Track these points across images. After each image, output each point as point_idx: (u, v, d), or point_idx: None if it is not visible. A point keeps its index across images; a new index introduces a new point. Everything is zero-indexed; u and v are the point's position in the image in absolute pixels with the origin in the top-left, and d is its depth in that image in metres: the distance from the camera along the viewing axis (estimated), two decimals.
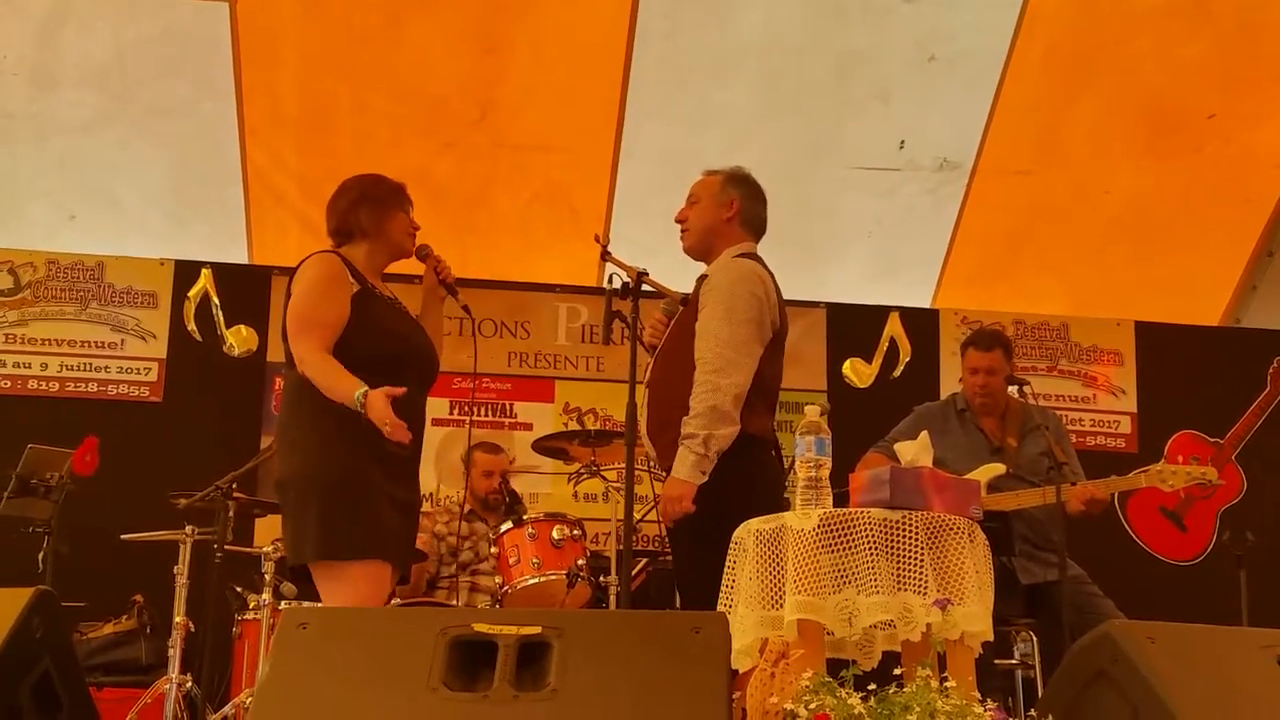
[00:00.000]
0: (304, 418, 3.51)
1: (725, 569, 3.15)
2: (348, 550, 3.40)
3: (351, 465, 3.44)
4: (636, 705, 2.47)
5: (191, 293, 6.39)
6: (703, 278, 3.98)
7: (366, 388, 3.32)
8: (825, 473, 3.06)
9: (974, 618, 2.94)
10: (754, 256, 3.98)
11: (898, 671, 2.74)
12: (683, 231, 4.05)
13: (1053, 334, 7.06)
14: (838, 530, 2.94)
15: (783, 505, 3.64)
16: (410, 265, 3.85)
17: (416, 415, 3.61)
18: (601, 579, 4.87)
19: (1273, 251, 7.05)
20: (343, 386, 3.38)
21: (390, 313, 3.66)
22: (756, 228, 4.06)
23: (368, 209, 3.68)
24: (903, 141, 6.50)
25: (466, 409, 6.31)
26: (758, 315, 3.83)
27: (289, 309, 3.55)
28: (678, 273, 4.10)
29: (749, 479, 3.73)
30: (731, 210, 3.99)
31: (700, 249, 4.04)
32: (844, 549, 2.93)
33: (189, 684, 4.80)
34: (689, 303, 3.97)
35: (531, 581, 4.78)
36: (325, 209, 3.75)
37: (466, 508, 5.66)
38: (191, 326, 6.37)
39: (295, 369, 3.54)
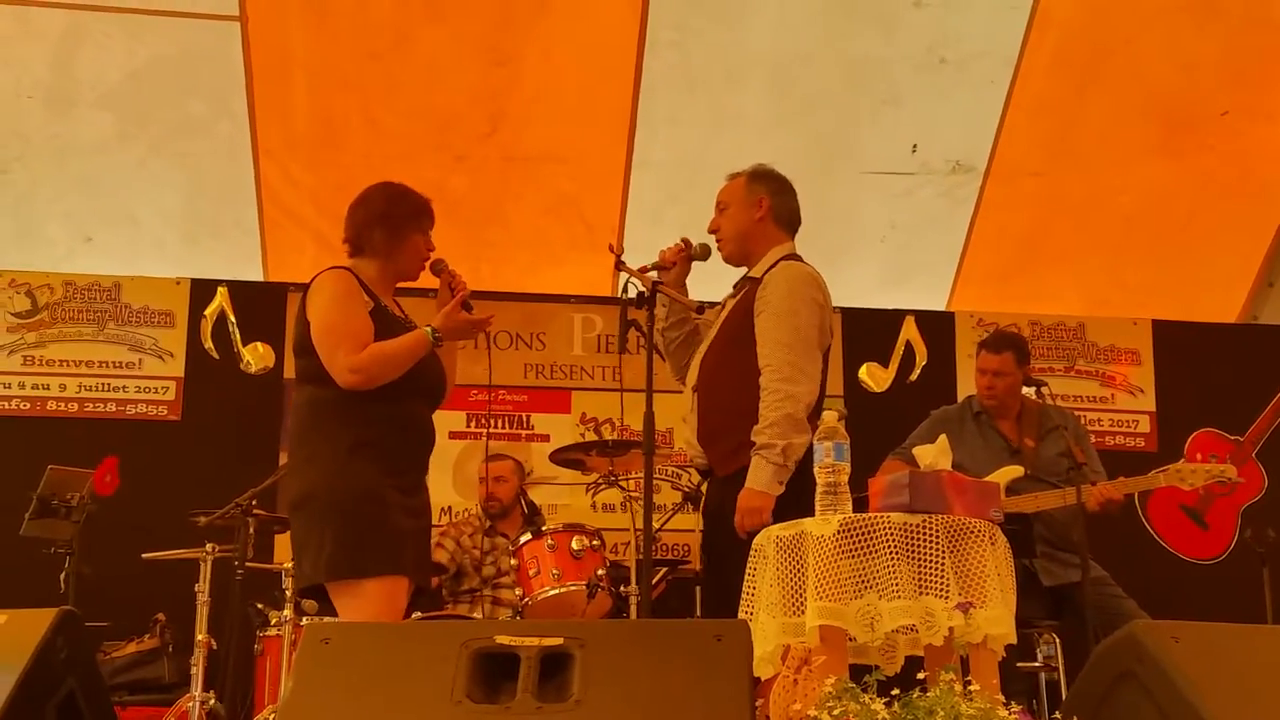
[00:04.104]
0: (322, 435, 3.48)
1: (746, 576, 3.14)
2: (372, 566, 3.37)
3: (371, 481, 3.42)
4: (660, 714, 2.47)
5: (208, 311, 6.41)
6: (747, 280, 3.96)
7: (429, 326, 3.46)
8: (844, 478, 3.05)
9: (996, 620, 2.94)
10: (798, 258, 3.95)
11: (921, 676, 2.73)
12: (718, 241, 4.04)
13: (1069, 334, 7.03)
14: (858, 535, 2.94)
15: None
16: (424, 278, 3.78)
17: (425, 433, 3.63)
18: (622, 589, 4.85)
19: None
20: (410, 343, 3.46)
21: (402, 332, 3.58)
22: (790, 221, 4.04)
23: (383, 229, 3.61)
24: (915, 145, 6.50)
25: (483, 421, 6.31)
26: (819, 322, 3.83)
27: (314, 327, 3.47)
28: (692, 280, 4.09)
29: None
30: (762, 210, 3.98)
31: (739, 255, 4.03)
32: (865, 554, 2.93)
33: (212, 701, 4.80)
34: (740, 306, 3.92)
35: (552, 593, 4.76)
36: (346, 213, 3.69)
37: (487, 522, 5.66)
38: (208, 345, 6.38)
39: (305, 386, 3.53)
